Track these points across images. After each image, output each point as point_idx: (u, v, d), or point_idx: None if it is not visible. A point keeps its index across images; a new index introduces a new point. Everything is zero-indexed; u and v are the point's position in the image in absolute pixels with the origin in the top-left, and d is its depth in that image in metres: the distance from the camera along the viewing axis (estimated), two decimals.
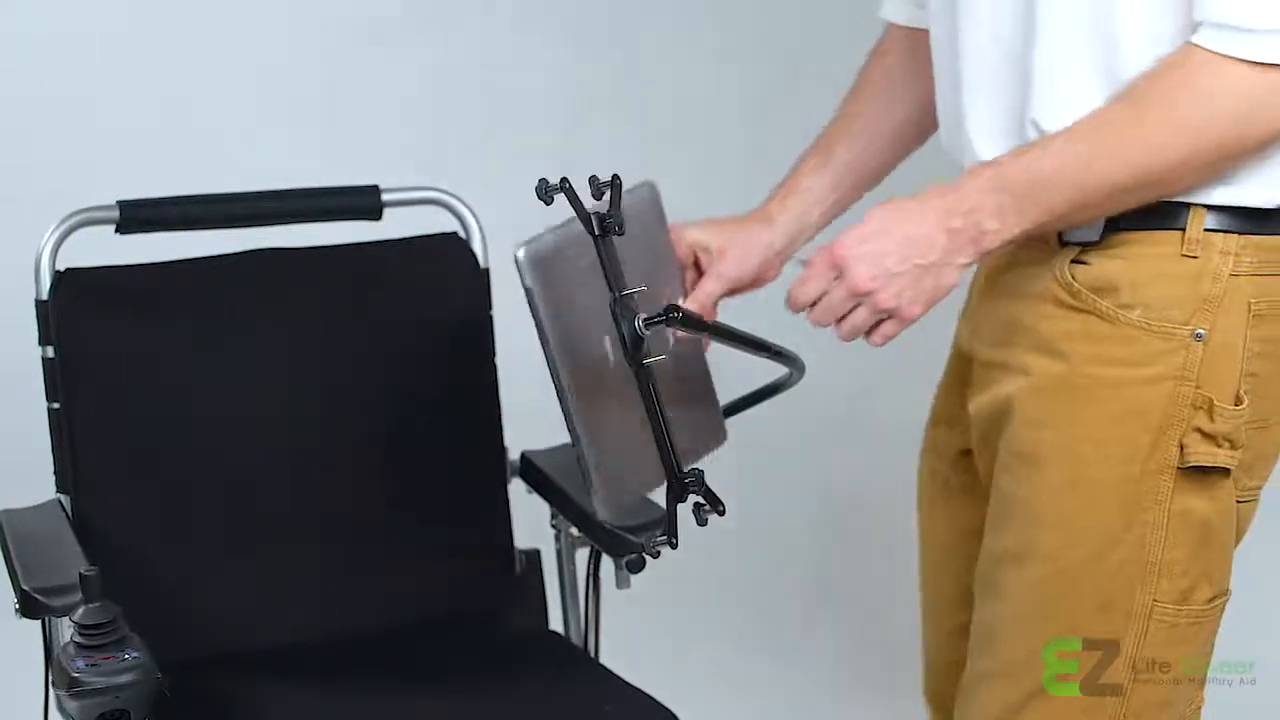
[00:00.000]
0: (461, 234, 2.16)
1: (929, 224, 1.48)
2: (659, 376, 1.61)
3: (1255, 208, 1.49)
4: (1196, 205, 1.48)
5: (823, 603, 2.94)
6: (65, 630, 1.81)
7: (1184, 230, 1.49)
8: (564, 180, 1.57)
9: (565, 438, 2.17)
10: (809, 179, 1.76)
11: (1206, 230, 1.49)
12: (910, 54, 1.74)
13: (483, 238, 2.15)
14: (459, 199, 2.16)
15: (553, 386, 2.50)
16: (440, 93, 2.74)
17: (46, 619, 1.93)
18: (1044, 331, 1.54)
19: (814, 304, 1.54)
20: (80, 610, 1.66)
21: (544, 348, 1.54)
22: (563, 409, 1.54)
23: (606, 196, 1.55)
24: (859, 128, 1.77)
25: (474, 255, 2.15)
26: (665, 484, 1.63)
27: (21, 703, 2.08)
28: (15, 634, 2.10)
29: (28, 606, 1.77)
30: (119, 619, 1.66)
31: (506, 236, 2.17)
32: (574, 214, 1.55)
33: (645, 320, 1.58)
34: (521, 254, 1.53)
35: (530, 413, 2.25)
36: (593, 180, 1.60)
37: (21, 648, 2.09)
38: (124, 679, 1.59)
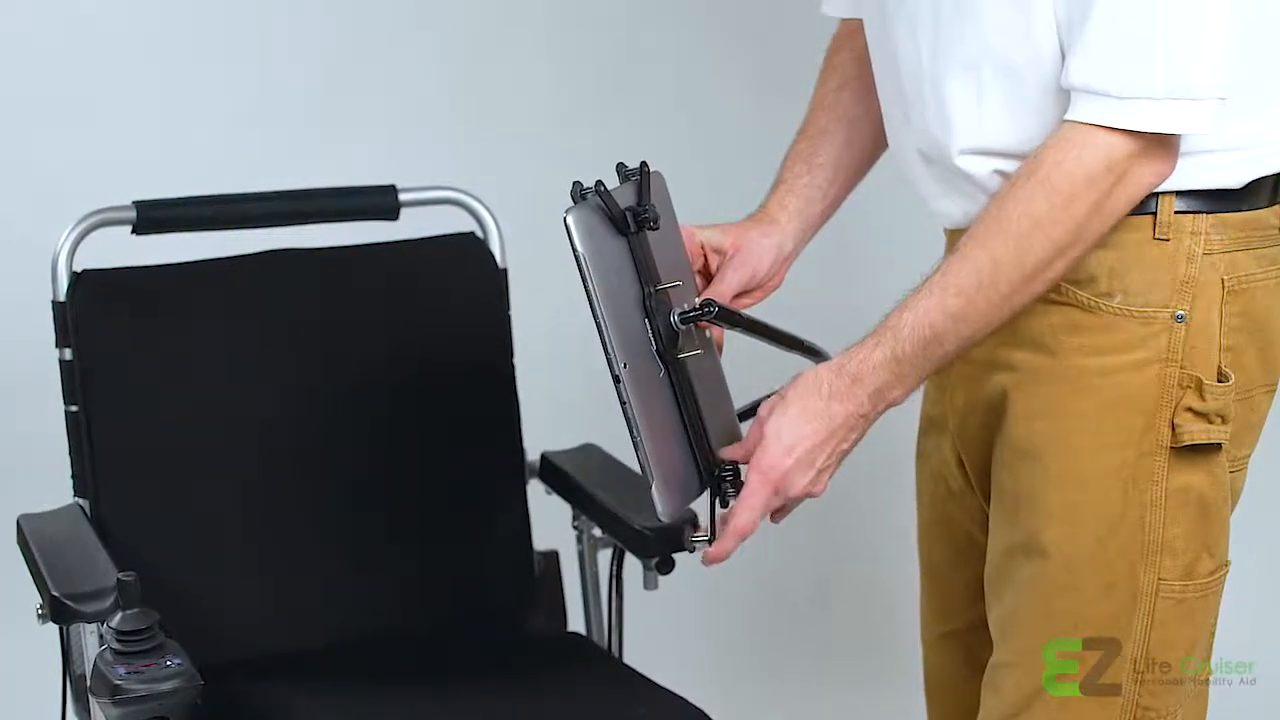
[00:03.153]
0: (479, 234, 2.15)
1: (841, 416, 1.51)
2: (694, 372, 1.60)
3: (1221, 189, 1.52)
4: (1164, 191, 1.51)
5: (829, 600, 2.94)
6: (88, 635, 1.80)
7: (1155, 214, 1.51)
8: (599, 183, 1.56)
9: (585, 438, 2.20)
10: (804, 178, 1.77)
11: (1177, 213, 1.52)
12: (863, 48, 1.74)
13: (500, 237, 2.14)
14: (476, 198, 2.15)
15: (574, 387, 2.52)
16: (456, 92, 2.72)
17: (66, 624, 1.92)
18: (1026, 326, 1.55)
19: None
20: (119, 616, 1.64)
21: (596, 320, 1.50)
22: (618, 392, 1.51)
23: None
24: (836, 126, 1.77)
25: (492, 255, 2.14)
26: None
27: (36, 707, 2.07)
28: (20, 637, 2.09)
29: (59, 612, 1.74)
30: (156, 625, 1.65)
31: (524, 236, 2.18)
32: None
33: (681, 315, 1.57)
34: (570, 219, 1.49)
35: (548, 414, 2.25)
36: (620, 167, 1.60)
37: (28, 651, 2.08)
38: (167, 686, 1.58)
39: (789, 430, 1.51)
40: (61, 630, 1.92)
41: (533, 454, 2.16)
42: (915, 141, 1.61)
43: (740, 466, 1.59)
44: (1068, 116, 1.46)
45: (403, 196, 2.12)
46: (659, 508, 1.54)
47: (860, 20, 1.73)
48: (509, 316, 2.14)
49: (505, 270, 2.14)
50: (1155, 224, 1.52)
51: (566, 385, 2.45)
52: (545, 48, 2.74)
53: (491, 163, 2.58)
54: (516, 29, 2.72)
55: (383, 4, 2.67)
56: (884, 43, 1.63)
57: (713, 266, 1.72)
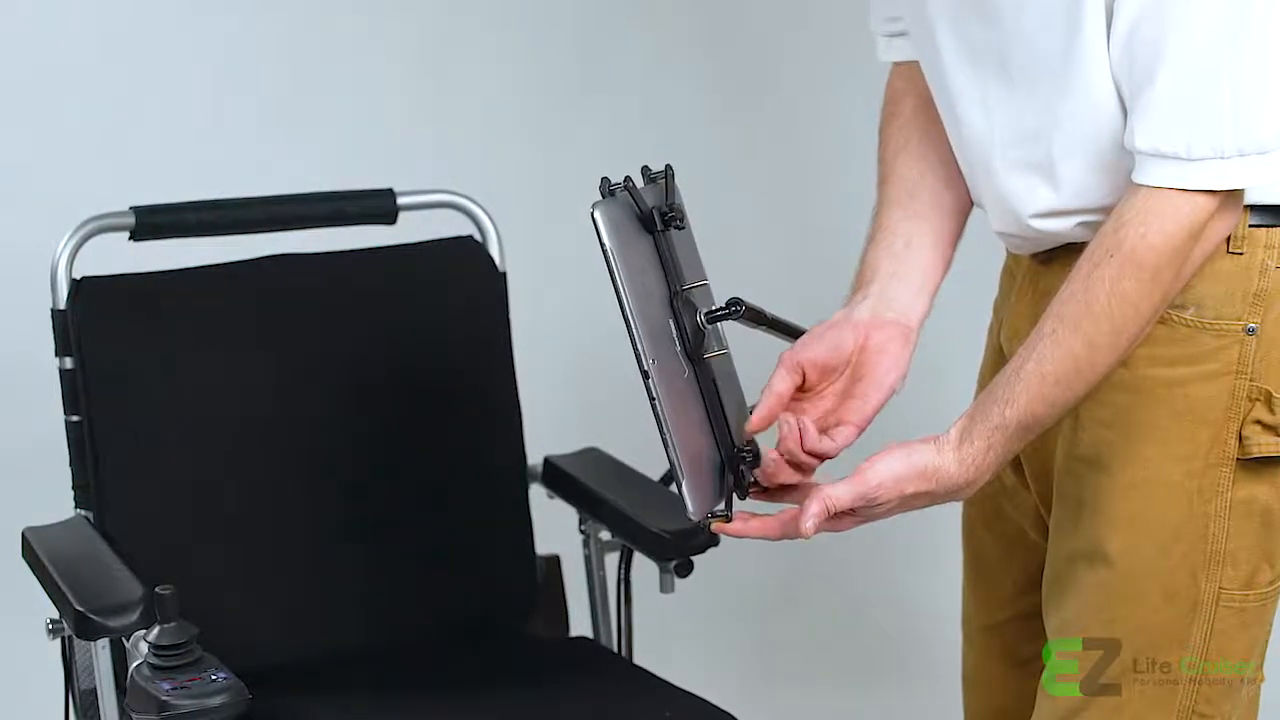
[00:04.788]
0: (477, 237, 2.13)
1: (935, 502, 1.52)
2: (717, 372, 1.60)
3: None
4: None
5: (838, 602, 2.96)
6: (100, 650, 1.77)
7: None
8: (627, 179, 1.55)
9: (585, 442, 2.19)
10: (897, 281, 1.66)
11: (1250, 226, 1.53)
12: (928, 96, 1.68)
13: (499, 240, 2.12)
14: (475, 201, 2.13)
15: (573, 391, 2.52)
16: (453, 95, 2.70)
17: (67, 640, 1.88)
18: None
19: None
20: (156, 630, 1.62)
21: (624, 315, 1.48)
22: (646, 388, 1.49)
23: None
24: (924, 208, 1.68)
25: (491, 258, 2.12)
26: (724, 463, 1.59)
27: None
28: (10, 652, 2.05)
29: (84, 628, 1.71)
30: (194, 639, 1.63)
31: (523, 239, 2.17)
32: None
33: (708, 315, 1.57)
34: (598, 213, 1.48)
35: (547, 417, 2.24)
36: (645, 170, 1.59)
37: (19, 667, 2.05)
38: (216, 701, 1.57)
39: (886, 501, 1.49)
40: (63, 645, 1.89)
41: (532, 458, 2.15)
42: (988, 199, 1.61)
43: (757, 446, 1.58)
44: (1140, 181, 1.45)
45: (400, 200, 2.11)
46: (689, 506, 1.52)
47: (903, 81, 1.71)
48: (508, 319, 2.13)
49: (504, 274, 2.13)
50: (1230, 237, 1.52)
51: (565, 389, 2.45)
52: (543, 50, 2.73)
53: (489, 166, 2.57)
54: (514, 32, 2.71)
55: (378, 8, 2.65)
56: (949, 107, 1.61)
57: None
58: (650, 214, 1.54)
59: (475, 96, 2.69)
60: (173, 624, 1.62)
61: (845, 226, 2.35)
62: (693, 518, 1.53)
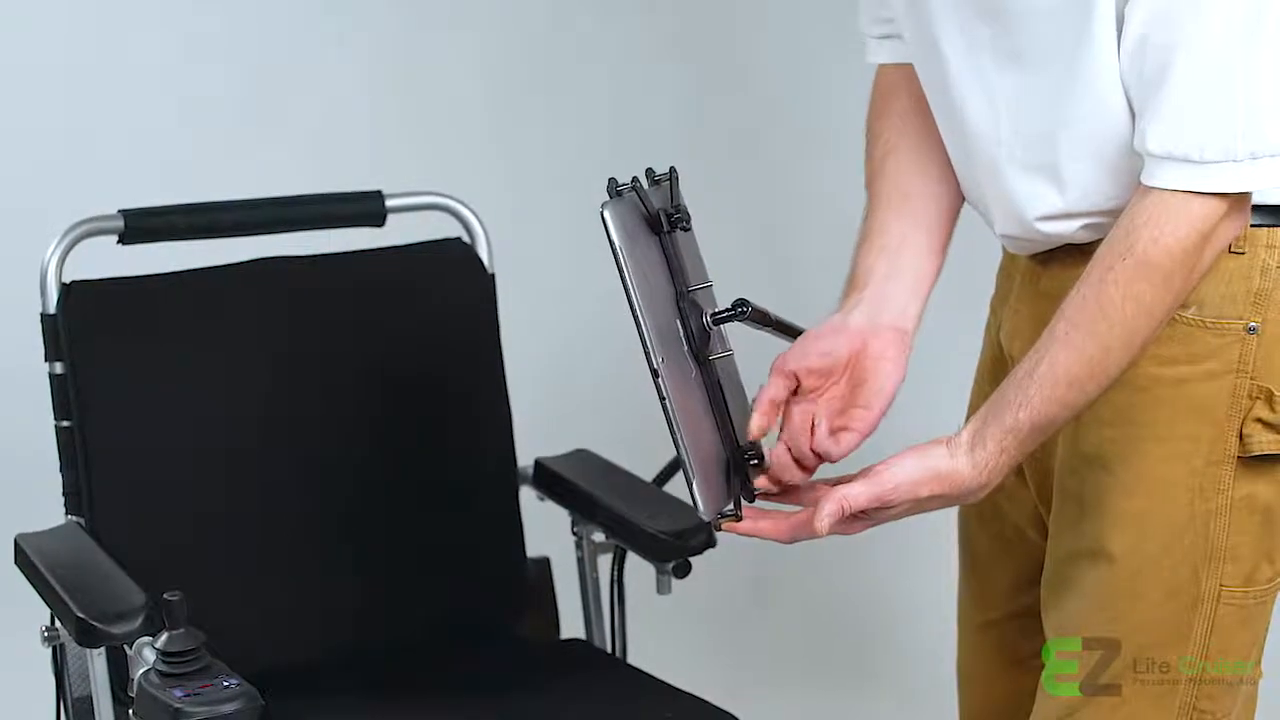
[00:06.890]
0: (466, 239, 2.13)
1: (956, 500, 1.52)
2: (721, 372, 1.60)
3: None
4: None
5: (829, 603, 2.96)
6: (95, 658, 1.76)
7: None
8: (634, 180, 1.55)
9: (574, 444, 2.19)
10: (892, 283, 1.66)
11: (1252, 226, 1.54)
12: (918, 95, 1.68)
13: (488, 242, 2.12)
14: (463, 203, 2.13)
15: (562, 392, 2.51)
16: (441, 97, 2.70)
17: (58, 647, 1.87)
18: None
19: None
20: (165, 637, 1.61)
21: (634, 315, 1.48)
22: (656, 388, 1.49)
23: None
24: (916, 208, 1.68)
25: (479, 260, 2.12)
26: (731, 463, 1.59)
27: None
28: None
29: (86, 635, 1.69)
30: (202, 645, 1.62)
31: (511, 241, 2.17)
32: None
33: (714, 316, 1.58)
34: (607, 214, 1.48)
35: (536, 419, 2.24)
36: (649, 172, 1.60)
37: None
38: (230, 708, 1.55)
39: (900, 504, 1.50)
40: (54, 653, 1.88)
41: (522, 460, 2.15)
42: (991, 202, 1.61)
43: (764, 449, 1.58)
44: (1151, 183, 1.46)
45: (389, 202, 2.10)
46: (700, 506, 1.52)
47: (890, 82, 1.71)
48: (497, 321, 2.12)
49: (493, 275, 2.12)
50: None
51: (554, 391, 2.45)
52: (531, 52, 2.74)
53: (477, 168, 2.56)
54: (502, 33, 2.71)
55: (368, 13, 2.64)
56: (951, 108, 1.60)
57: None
58: (657, 215, 1.55)
59: (463, 98, 2.69)
60: (181, 630, 1.61)
61: (835, 226, 2.36)
62: (704, 518, 1.53)
